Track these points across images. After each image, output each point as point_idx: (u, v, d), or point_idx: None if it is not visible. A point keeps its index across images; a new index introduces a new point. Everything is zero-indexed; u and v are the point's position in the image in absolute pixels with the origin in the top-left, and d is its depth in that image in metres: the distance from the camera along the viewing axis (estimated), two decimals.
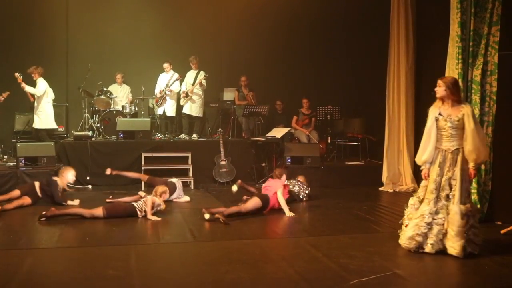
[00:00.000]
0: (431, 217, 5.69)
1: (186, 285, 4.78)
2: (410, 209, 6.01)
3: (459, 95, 5.85)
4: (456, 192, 5.64)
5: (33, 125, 10.78)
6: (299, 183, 9.02)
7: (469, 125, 5.61)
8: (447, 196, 5.70)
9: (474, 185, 7.23)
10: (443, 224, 5.66)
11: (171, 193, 8.53)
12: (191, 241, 6.39)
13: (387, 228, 7.01)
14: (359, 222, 7.46)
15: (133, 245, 6.15)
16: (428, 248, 5.69)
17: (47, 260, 5.53)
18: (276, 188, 7.89)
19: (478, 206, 7.18)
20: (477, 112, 7.25)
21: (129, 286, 4.73)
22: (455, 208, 5.58)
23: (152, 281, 4.87)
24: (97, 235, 6.58)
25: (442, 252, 5.65)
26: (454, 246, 5.56)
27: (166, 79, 11.74)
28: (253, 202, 7.71)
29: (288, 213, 7.69)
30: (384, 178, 10.31)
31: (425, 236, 5.70)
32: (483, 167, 7.27)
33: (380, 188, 10.19)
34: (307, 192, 8.96)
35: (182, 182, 10.17)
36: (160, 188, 7.88)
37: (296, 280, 4.86)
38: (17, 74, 10.22)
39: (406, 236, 5.82)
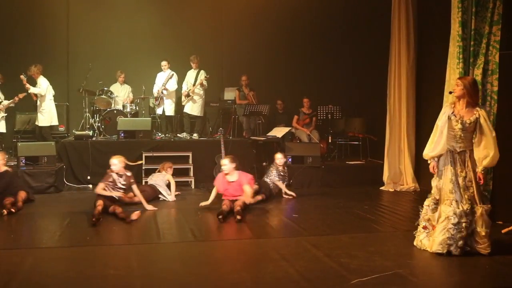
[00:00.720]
0: (457, 218, 5.59)
1: (187, 284, 4.78)
2: (426, 210, 5.95)
3: (477, 97, 5.82)
4: (476, 194, 5.65)
5: (36, 123, 10.81)
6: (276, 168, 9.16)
7: (489, 130, 5.60)
8: (469, 198, 5.63)
9: None
10: (468, 227, 5.59)
11: (152, 195, 8.75)
12: (192, 240, 6.39)
13: (388, 227, 7.01)
14: (360, 221, 7.46)
15: (134, 244, 6.16)
16: (456, 251, 5.59)
17: (48, 259, 5.52)
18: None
19: None
20: None
21: (129, 285, 4.73)
22: (483, 210, 5.60)
23: (153, 280, 4.86)
24: (98, 234, 6.58)
25: (468, 253, 5.62)
26: (484, 246, 5.60)
27: (163, 78, 11.74)
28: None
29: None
30: (385, 177, 10.30)
31: (454, 238, 5.60)
32: None
33: (381, 188, 10.18)
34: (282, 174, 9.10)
35: (183, 181, 10.23)
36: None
37: (297, 279, 4.86)
38: (22, 76, 10.25)
39: (437, 242, 5.64)
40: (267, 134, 11.09)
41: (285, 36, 13.13)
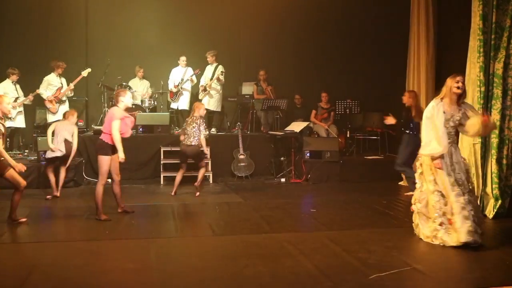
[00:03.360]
0: (467, 210, 5.65)
1: (205, 279, 4.79)
2: (436, 205, 5.87)
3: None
4: (466, 184, 5.82)
5: (61, 118, 10.89)
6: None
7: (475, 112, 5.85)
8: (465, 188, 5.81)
9: (495, 180, 7.17)
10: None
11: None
12: (210, 235, 6.42)
13: (406, 223, 6.93)
14: (378, 216, 7.42)
15: (152, 238, 6.20)
16: (480, 239, 5.70)
17: (68, 253, 5.57)
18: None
19: (500, 201, 7.13)
20: (498, 106, 7.17)
21: (148, 279, 4.76)
22: (474, 197, 5.81)
23: (171, 274, 4.90)
24: (117, 228, 6.63)
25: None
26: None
27: (181, 73, 11.77)
28: None
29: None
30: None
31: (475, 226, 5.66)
32: (504, 161, 7.20)
33: (399, 183, 10.11)
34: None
35: None
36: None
37: (315, 274, 4.85)
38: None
39: (464, 232, 5.59)
40: (285, 129, 11.06)
41: (303, 31, 13.05)
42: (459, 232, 5.62)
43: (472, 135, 6.14)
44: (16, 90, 10.61)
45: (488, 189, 7.25)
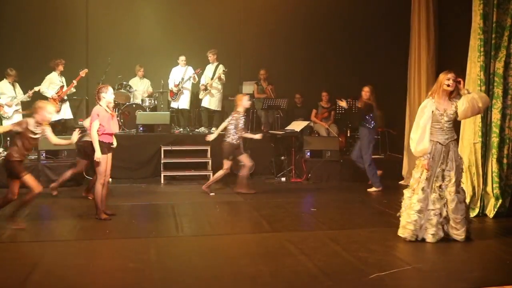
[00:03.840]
0: (419, 205, 5.86)
1: (205, 278, 4.79)
2: (406, 201, 6.09)
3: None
4: (451, 183, 5.86)
5: (64, 117, 10.91)
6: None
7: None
8: (440, 187, 5.89)
9: (496, 179, 7.17)
10: (440, 214, 5.85)
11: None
12: (210, 234, 6.42)
13: None
14: (379, 216, 7.43)
15: (153, 238, 6.20)
16: (429, 238, 5.86)
17: (68, 252, 5.58)
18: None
19: (500, 200, 7.13)
20: (499, 105, 7.17)
21: (148, 278, 4.76)
22: (456, 198, 5.83)
23: (171, 274, 4.90)
24: (117, 228, 6.63)
25: (444, 239, 5.86)
26: (459, 233, 5.85)
27: (181, 73, 11.77)
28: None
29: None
30: (404, 172, 10.23)
31: (417, 224, 5.86)
32: (505, 161, 7.20)
33: (400, 182, 10.10)
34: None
35: (202, 175, 10.27)
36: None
37: (315, 273, 4.85)
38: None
39: (400, 226, 6.01)
40: (286, 128, 11.06)
41: (303, 30, 13.04)
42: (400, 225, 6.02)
43: (480, 105, 5.82)
44: (14, 89, 10.54)
45: (489, 189, 7.25)
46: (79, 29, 12.40)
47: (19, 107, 10.63)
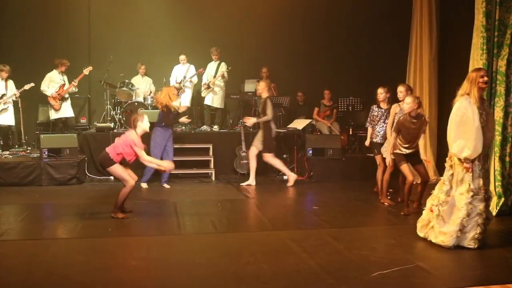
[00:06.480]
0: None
1: (207, 276, 4.79)
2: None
3: None
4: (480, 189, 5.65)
5: (65, 115, 10.93)
6: None
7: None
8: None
9: (498, 177, 7.16)
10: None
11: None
12: (213, 232, 6.42)
13: (409, 220, 6.95)
14: (381, 214, 7.42)
15: (155, 236, 6.20)
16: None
17: (71, 250, 5.58)
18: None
19: (503, 199, 7.12)
20: (502, 103, 7.15)
21: (150, 276, 4.76)
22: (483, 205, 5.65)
23: (173, 272, 4.90)
24: (120, 225, 6.63)
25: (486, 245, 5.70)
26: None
27: (183, 71, 11.76)
28: None
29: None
30: None
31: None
32: (507, 159, 7.19)
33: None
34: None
35: (204, 173, 10.27)
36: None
37: (317, 271, 4.85)
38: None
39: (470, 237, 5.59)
40: (288, 126, 11.06)
41: (305, 28, 13.03)
42: (468, 237, 5.60)
43: None
44: (6, 87, 10.50)
45: (491, 187, 7.23)
46: (81, 27, 12.40)
47: (8, 105, 10.53)
